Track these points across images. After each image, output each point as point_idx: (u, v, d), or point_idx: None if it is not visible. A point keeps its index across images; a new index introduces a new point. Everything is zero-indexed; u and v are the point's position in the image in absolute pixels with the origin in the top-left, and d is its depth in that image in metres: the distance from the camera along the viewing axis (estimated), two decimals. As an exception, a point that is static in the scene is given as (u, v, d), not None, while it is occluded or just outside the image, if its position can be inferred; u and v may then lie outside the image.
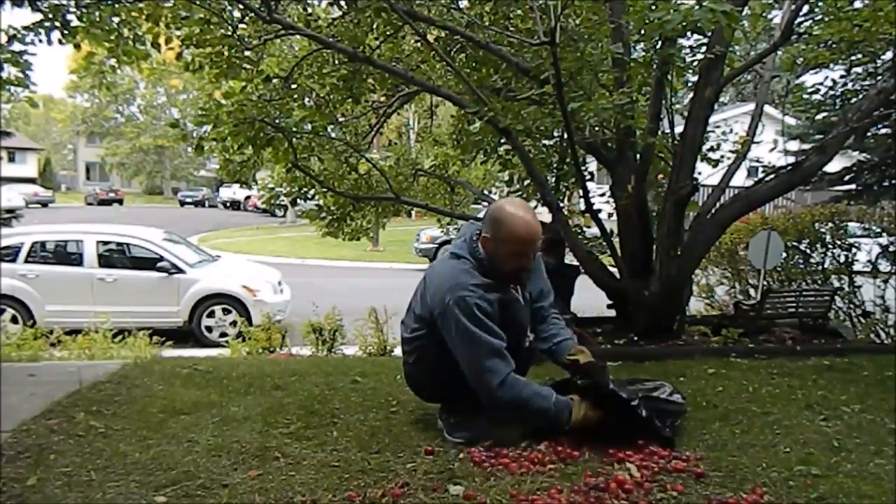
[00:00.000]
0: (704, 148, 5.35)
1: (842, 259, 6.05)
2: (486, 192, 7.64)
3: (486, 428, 2.49)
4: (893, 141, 9.03)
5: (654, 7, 3.83)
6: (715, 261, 6.58)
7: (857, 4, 4.83)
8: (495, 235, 2.48)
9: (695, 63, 4.82)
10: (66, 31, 4.92)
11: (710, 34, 4.32)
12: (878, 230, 6.25)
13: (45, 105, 50.50)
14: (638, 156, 4.70)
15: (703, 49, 4.73)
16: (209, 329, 8.78)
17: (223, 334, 8.62)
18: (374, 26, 5.15)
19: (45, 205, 36.80)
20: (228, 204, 40.87)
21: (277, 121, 4.83)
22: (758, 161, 5.94)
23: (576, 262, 4.84)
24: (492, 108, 4.29)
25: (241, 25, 5.07)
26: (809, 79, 8.08)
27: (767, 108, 6.29)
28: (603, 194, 5.10)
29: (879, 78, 6.15)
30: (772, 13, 5.98)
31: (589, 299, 5.12)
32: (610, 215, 4.99)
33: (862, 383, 3.45)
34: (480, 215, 2.97)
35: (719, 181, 5.02)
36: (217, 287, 8.94)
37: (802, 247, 6.19)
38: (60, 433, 2.56)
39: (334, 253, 17.67)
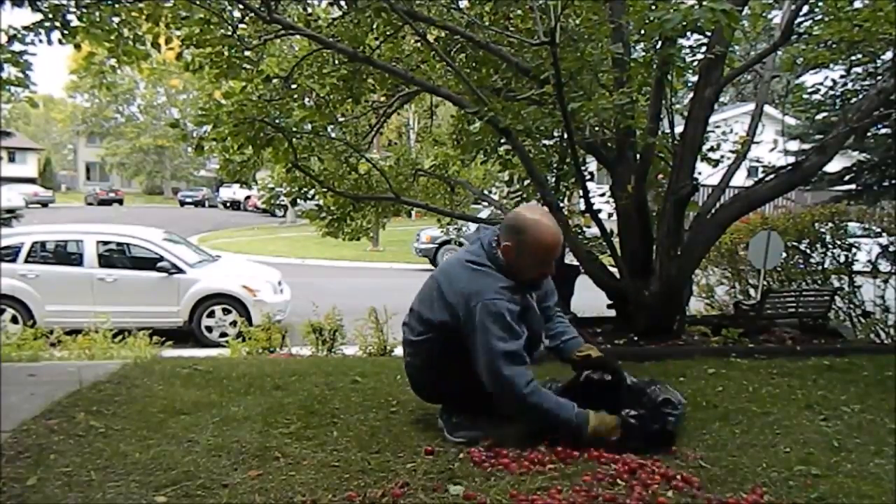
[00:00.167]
0: (704, 148, 5.34)
1: (842, 259, 6.05)
2: (486, 192, 7.62)
3: (487, 428, 2.48)
4: (893, 141, 9.02)
5: (654, 7, 3.83)
6: (715, 261, 6.57)
7: (857, 4, 4.84)
8: (518, 244, 2.43)
9: (695, 63, 4.82)
10: (66, 31, 4.91)
11: (710, 34, 4.32)
12: (878, 230, 6.26)
13: (45, 105, 50.56)
14: (638, 156, 4.70)
15: (703, 49, 4.73)
16: (209, 329, 8.78)
17: (223, 334, 8.61)
18: (374, 26, 5.14)
19: (45, 205, 36.82)
20: (228, 204, 40.88)
21: (277, 121, 4.83)
22: (758, 161, 5.94)
23: (576, 262, 4.84)
24: (492, 108, 4.29)
25: (241, 25, 5.06)
26: (809, 79, 8.08)
27: (767, 108, 6.29)
28: (603, 194, 5.10)
29: (879, 78, 6.14)
30: (772, 13, 5.99)
31: (589, 299, 5.13)
32: (610, 215, 4.98)
33: (862, 383, 3.46)
34: (482, 216, 2.96)
35: (719, 181, 5.02)
36: (217, 287, 8.93)
37: (802, 247, 6.19)
38: (60, 433, 2.55)
39: (334, 253, 17.65)
